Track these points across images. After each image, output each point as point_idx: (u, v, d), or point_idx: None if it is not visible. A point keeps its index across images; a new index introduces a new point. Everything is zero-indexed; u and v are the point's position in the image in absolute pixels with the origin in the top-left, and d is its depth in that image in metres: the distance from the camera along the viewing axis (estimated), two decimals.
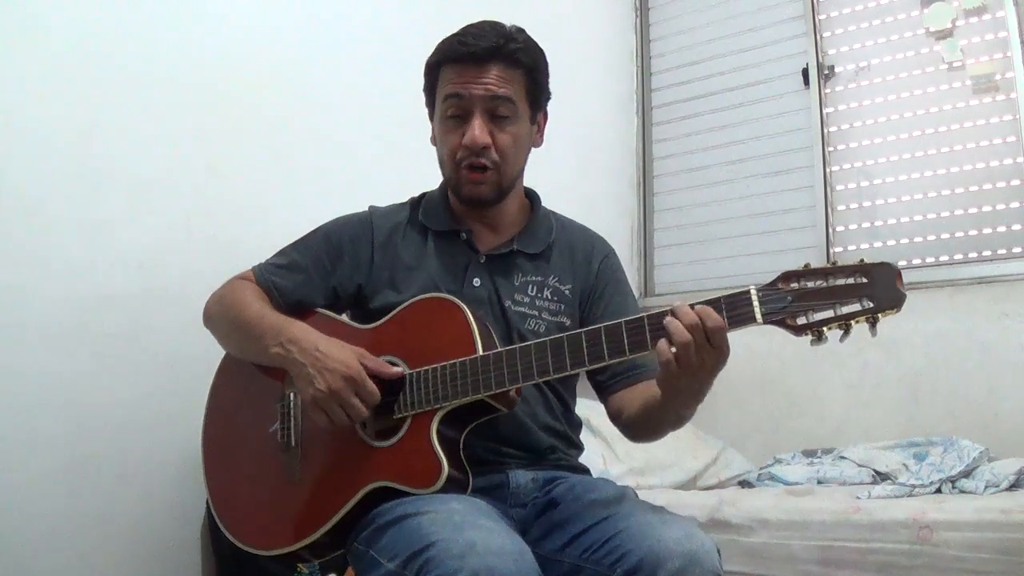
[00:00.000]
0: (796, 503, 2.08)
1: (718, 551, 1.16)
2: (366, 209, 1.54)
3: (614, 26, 3.56)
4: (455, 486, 1.25)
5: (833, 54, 3.14)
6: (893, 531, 1.86)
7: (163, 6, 1.95)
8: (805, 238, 3.10)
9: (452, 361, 1.28)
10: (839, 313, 1.08)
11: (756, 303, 1.11)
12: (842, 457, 2.52)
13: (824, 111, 3.11)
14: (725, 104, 3.35)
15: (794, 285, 1.10)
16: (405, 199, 1.57)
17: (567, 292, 1.47)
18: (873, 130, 3.03)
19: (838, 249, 3.04)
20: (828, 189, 3.08)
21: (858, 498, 2.06)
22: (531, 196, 1.57)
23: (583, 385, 1.52)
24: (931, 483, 2.12)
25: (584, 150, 3.20)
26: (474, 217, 1.49)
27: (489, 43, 1.39)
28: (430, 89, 1.48)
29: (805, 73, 3.15)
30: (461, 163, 1.41)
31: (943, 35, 2.89)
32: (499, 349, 1.28)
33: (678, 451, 2.61)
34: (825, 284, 1.09)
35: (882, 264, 1.08)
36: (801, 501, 2.10)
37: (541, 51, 1.47)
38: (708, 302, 1.13)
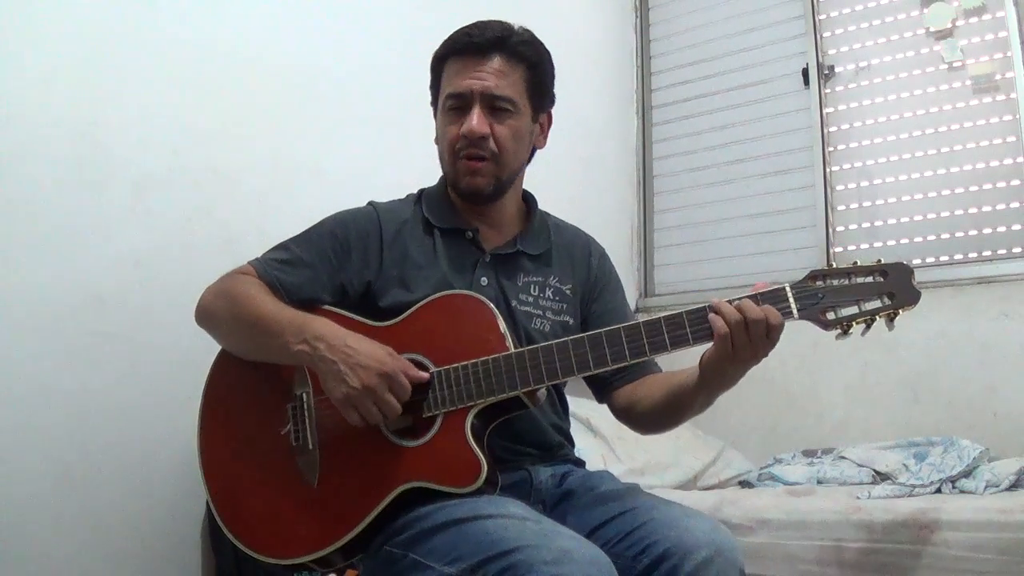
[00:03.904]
0: (796, 503, 2.08)
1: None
2: (367, 205, 1.52)
3: (614, 26, 3.56)
4: (488, 485, 1.24)
5: (833, 54, 3.14)
6: (893, 531, 1.86)
7: (163, 5, 1.95)
8: (805, 238, 3.10)
9: (484, 358, 1.27)
10: (863, 309, 1.19)
11: (792, 299, 1.20)
12: (842, 457, 2.52)
13: (824, 111, 3.11)
14: (725, 104, 3.35)
15: (820, 283, 1.20)
16: (404, 195, 1.57)
17: (568, 292, 1.49)
18: (873, 130, 3.03)
19: (838, 249, 3.04)
20: (828, 189, 3.08)
21: (858, 498, 2.06)
22: (528, 199, 1.57)
23: (580, 386, 1.51)
24: (931, 483, 2.11)
25: (584, 150, 3.20)
26: (476, 216, 1.49)
27: (493, 35, 1.41)
28: (435, 84, 1.48)
29: (805, 73, 3.15)
30: (459, 153, 1.41)
31: (943, 35, 2.89)
32: (533, 346, 1.28)
33: (678, 451, 2.61)
34: (848, 282, 1.20)
35: (899, 264, 1.20)
36: (801, 501, 2.10)
37: (547, 52, 1.48)
38: (747, 297, 1.20)
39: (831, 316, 1.19)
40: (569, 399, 1.55)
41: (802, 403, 2.94)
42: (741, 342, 1.19)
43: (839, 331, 1.19)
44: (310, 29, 2.28)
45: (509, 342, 1.28)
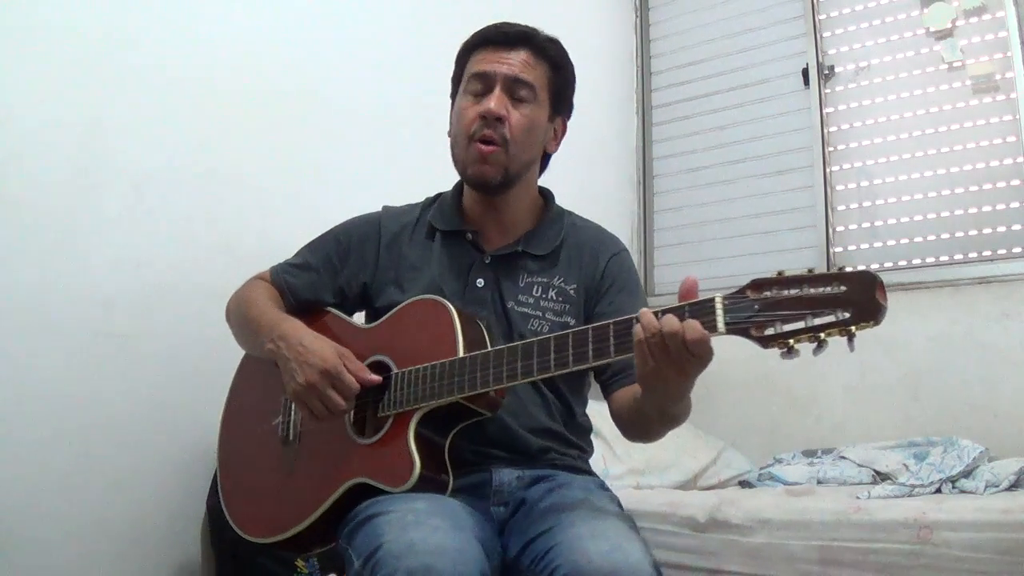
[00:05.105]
0: (796, 503, 2.08)
1: (655, 565, 1.13)
2: (380, 209, 1.57)
3: (614, 26, 3.56)
4: (433, 486, 1.26)
5: (833, 54, 3.14)
6: (893, 531, 1.86)
7: (164, 6, 1.95)
8: (805, 238, 3.10)
9: (434, 363, 1.28)
10: (810, 325, 0.99)
11: (719, 311, 1.04)
12: (842, 457, 2.52)
13: (824, 111, 3.11)
14: (725, 104, 3.35)
15: (766, 293, 1.02)
16: (412, 200, 1.58)
17: (572, 292, 1.46)
18: (873, 130, 3.02)
19: (838, 249, 3.04)
20: (828, 189, 3.08)
21: (858, 498, 2.06)
22: (545, 195, 1.57)
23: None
24: (931, 483, 2.11)
25: (584, 150, 3.19)
26: (483, 214, 1.49)
27: (521, 30, 1.46)
28: (458, 75, 1.50)
29: (805, 73, 3.15)
30: (474, 136, 1.42)
31: (943, 35, 2.89)
32: (475, 353, 1.27)
33: (678, 451, 2.61)
34: (799, 293, 1.00)
35: (861, 272, 0.99)
36: (801, 501, 2.10)
37: (570, 62, 1.52)
38: (672, 309, 1.08)
39: (770, 331, 1.00)
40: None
41: (802, 403, 2.93)
42: (660, 356, 1.07)
43: (782, 350, 1.00)
44: (310, 30, 2.28)
45: (460, 347, 1.28)
